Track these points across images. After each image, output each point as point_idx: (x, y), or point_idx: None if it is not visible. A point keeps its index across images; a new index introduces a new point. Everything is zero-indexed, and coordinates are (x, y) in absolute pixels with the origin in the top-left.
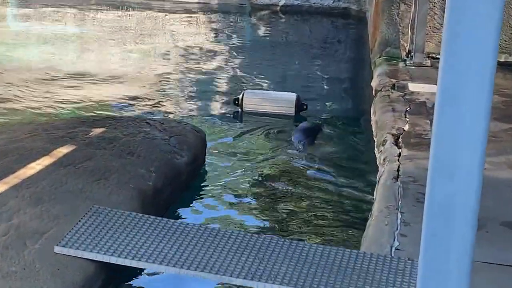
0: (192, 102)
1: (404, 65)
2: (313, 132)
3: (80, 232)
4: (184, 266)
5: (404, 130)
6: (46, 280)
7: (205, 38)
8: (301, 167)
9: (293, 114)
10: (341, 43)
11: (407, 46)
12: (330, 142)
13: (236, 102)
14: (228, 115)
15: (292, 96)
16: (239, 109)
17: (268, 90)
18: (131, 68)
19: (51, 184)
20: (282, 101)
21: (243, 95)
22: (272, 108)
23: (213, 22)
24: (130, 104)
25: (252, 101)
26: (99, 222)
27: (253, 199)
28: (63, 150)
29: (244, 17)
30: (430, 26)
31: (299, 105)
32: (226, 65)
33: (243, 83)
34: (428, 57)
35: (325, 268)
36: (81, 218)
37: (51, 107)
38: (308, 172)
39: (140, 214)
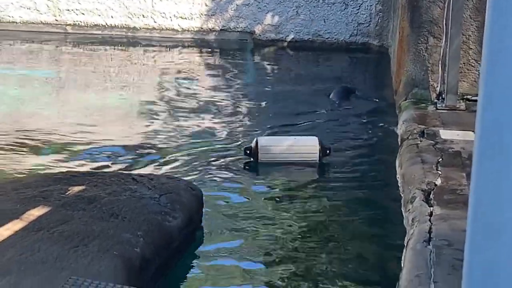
0: (187, 154)
1: (435, 108)
2: (348, 93)
3: None
4: None
5: (435, 185)
6: None
7: (200, 78)
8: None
9: (318, 161)
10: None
11: (437, 86)
12: (349, 197)
13: (248, 152)
14: (230, 168)
15: (314, 140)
16: (252, 159)
17: (283, 135)
18: (113, 116)
19: (20, 253)
20: (304, 147)
21: (256, 142)
22: (293, 156)
23: (210, 60)
24: (114, 157)
25: (268, 149)
26: None
27: (262, 271)
28: (35, 212)
29: (246, 55)
30: (464, 63)
31: (323, 150)
32: (225, 110)
33: (247, 131)
34: (463, 99)
35: None
36: None
37: (20, 162)
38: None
39: (126, 287)
